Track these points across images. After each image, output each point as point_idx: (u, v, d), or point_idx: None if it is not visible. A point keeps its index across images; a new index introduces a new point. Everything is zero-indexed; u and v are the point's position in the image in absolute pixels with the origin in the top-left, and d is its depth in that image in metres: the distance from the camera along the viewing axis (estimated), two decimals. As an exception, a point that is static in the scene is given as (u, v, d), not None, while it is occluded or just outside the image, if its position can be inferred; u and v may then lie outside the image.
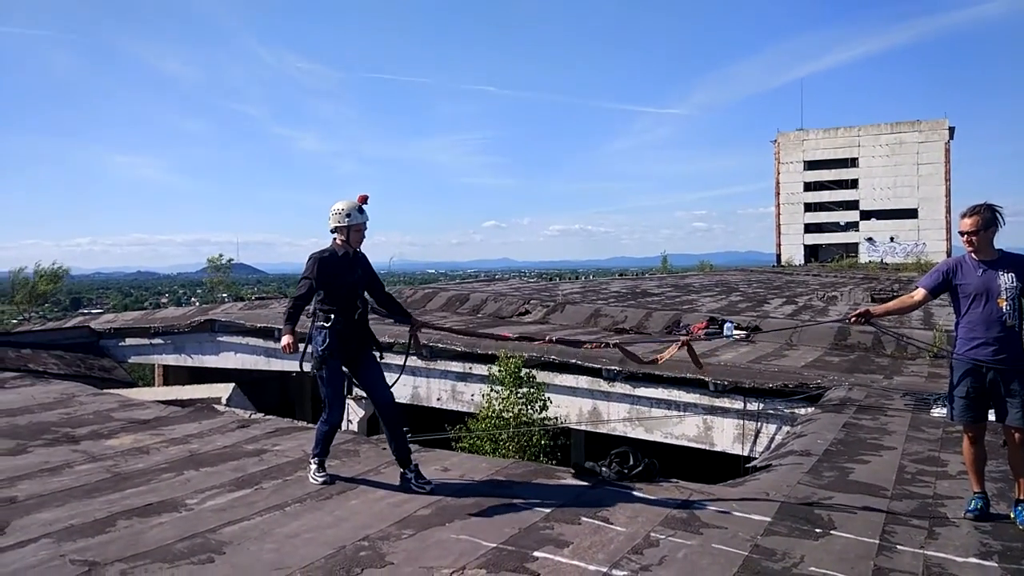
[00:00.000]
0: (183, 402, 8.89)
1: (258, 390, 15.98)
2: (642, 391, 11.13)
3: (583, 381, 11.68)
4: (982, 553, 4.17)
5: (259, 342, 15.24)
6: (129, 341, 17.07)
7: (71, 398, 8.80)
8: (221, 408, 8.24)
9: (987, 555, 4.14)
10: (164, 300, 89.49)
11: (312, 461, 5.36)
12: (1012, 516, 4.64)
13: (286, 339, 5.06)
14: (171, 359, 17.12)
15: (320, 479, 5.27)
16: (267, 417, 7.71)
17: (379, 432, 5.49)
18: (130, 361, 17.60)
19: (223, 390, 10.14)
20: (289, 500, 4.91)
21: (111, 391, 9.80)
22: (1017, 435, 4.56)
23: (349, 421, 12.69)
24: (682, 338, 5.44)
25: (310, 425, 7.16)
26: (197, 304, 35.55)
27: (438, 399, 13.08)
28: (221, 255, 44.92)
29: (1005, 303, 4.50)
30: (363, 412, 12.86)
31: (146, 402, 8.54)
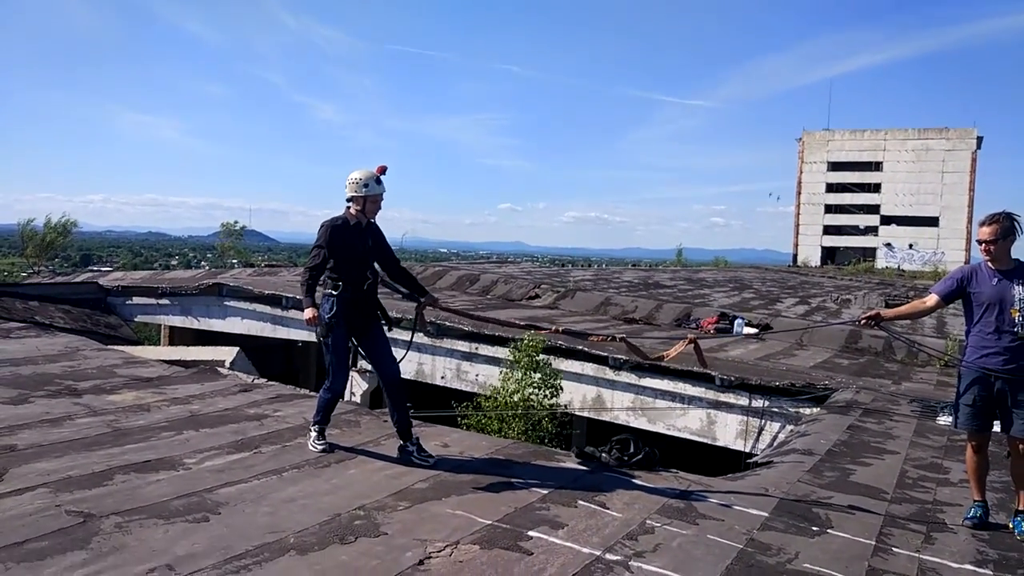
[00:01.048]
0: (187, 363, 8.92)
1: (263, 357, 16.05)
2: (647, 381, 11.09)
3: (589, 368, 11.65)
4: (978, 561, 4.14)
5: (266, 309, 15.27)
6: (136, 300, 17.15)
7: (75, 351, 8.85)
8: (224, 371, 8.26)
9: (983, 563, 4.11)
10: (174, 262, 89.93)
11: (312, 428, 5.36)
12: (1011, 526, 4.60)
13: (309, 312, 5.03)
14: (177, 320, 17.19)
15: (319, 447, 5.27)
16: (270, 383, 7.73)
17: (382, 406, 5.49)
18: (136, 320, 17.69)
19: (227, 353, 10.16)
20: (287, 466, 4.92)
21: (115, 347, 9.86)
22: (1021, 446, 4.52)
23: (352, 394, 12.72)
24: (690, 335, 5.39)
25: (312, 393, 7.18)
26: (207, 268, 35.72)
27: (442, 377, 13.09)
28: (236, 221, 45.20)
29: (1018, 314, 4.45)
30: (366, 385, 12.90)
31: (150, 360, 8.58)
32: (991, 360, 4.52)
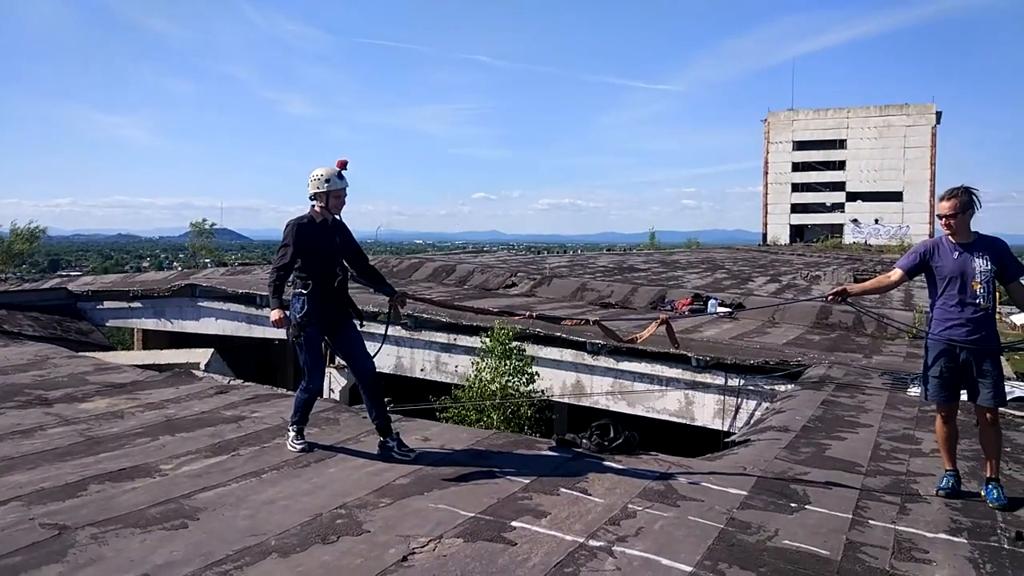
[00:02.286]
0: (161, 367, 8.81)
1: (239, 357, 15.88)
2: (625, 365, 11.17)
3: (567, 354, 11.70)
4: (952, 529, 4.22)
5: (240, 308, 15.12)
6: (107, 304, 16.88)
7: (45, 360, 8.69)
8: (199, 374, 8.17)
9: (957, 531, 4.20)
10: (145, 264, 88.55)
11: (290, 428, 5.32)
12: (982, 494, 4.70)
13: (276, 313, 4.99)
14: (150, 323, 16.96)
15: (298, 446, 5.24)
16: (246, 383, 7.66)
17: (361, 402, 5.47)
18: (108, 324, 17.42)
19: (202, 355, 10.06)
20: (266, 467, 4.88)
21: (87, 354, 9.70)
22: (988, 415, 4.62)
23: (331, 390, 12.66)
24: (661, 315, 5.42)
25: (290, 392, 7.12)
26: (179, 269, 35.22)
27: (422, 369, 13.07)
28: (205, 220, 44.61)
29: (980, 286, 4.53)
30: (345, 381, 12.84)
31: (122, 366, 8.45)
32: (956, 332, 4.60)
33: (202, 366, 9.31)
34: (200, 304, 15.94)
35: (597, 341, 11.32)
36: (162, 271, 29.00)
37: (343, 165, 5.18)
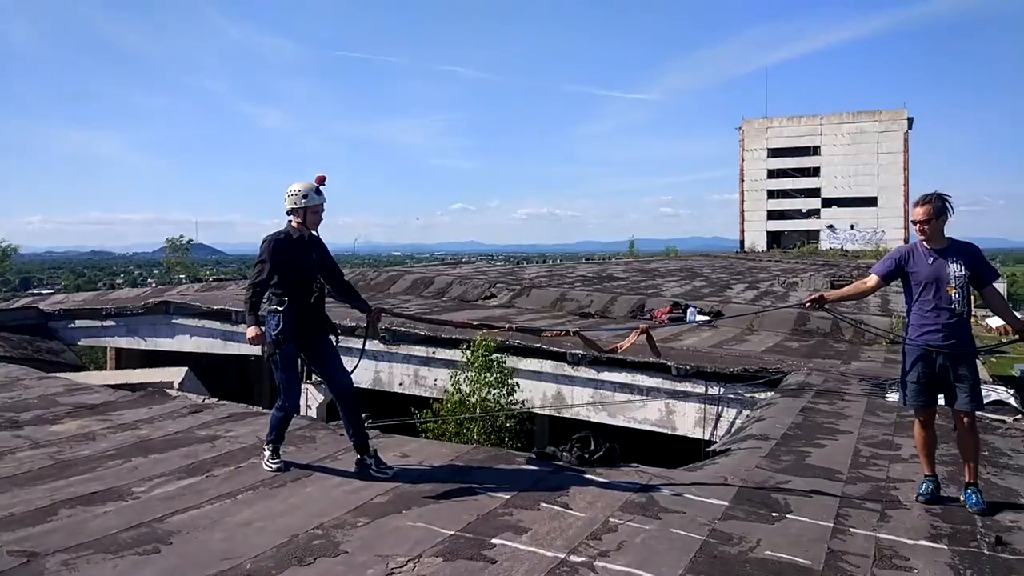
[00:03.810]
0: (133, 386, 8.65)
1: (215, 374, 15.67)
2: (606, 375, 11.14)
3: (547, 365, 11.65)
4: (932, 535, 4.23)
5: (216, 325, 14.91)
6: (79, 323, 16.58)
7: (15, 382, 8.50)
8: (173, 393, 8.03)
9: (937, 537, 4.21)
10: (119, 281, 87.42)
11: (266, 447, 5.23)
12: (961, 499, 4.72)
13: (252, 330, 4.91)
14: (123, 342, 16.67)
15: (274, 466, 5.15)
16: (221, 402, 7.54)
17: (339, 419, 5.40)
18: (80, 344, 17.12)
19: (176, 374, 9.89)
20: (241, 488, 4.79)
21: (58, 375, 9.50)
22: (965, 419, 4.65)
23: (308, 407, 12.52)
24: (641, 325, 5.43)
25: (266, 410, 7.02)
26: (153, 285, 34.81)
27: (400, 384, 12.96)
28: (181, 236, 44.16)
29: (954, 291, 4.58)
30: (322, 398, 12.69)
31: (94, 386, 8.29)
32: (932, 337, 4.63)
33: (176, 385, 9.16)
34: (174, 321, 15.70)
35: (577, 352, 11.30)
36: (136, 288, 28.61)
37: (321, 181, 5.11)
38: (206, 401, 7.55)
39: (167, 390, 8.21)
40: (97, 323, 16.45)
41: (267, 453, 5.21)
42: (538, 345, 11.58)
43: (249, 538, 3.97)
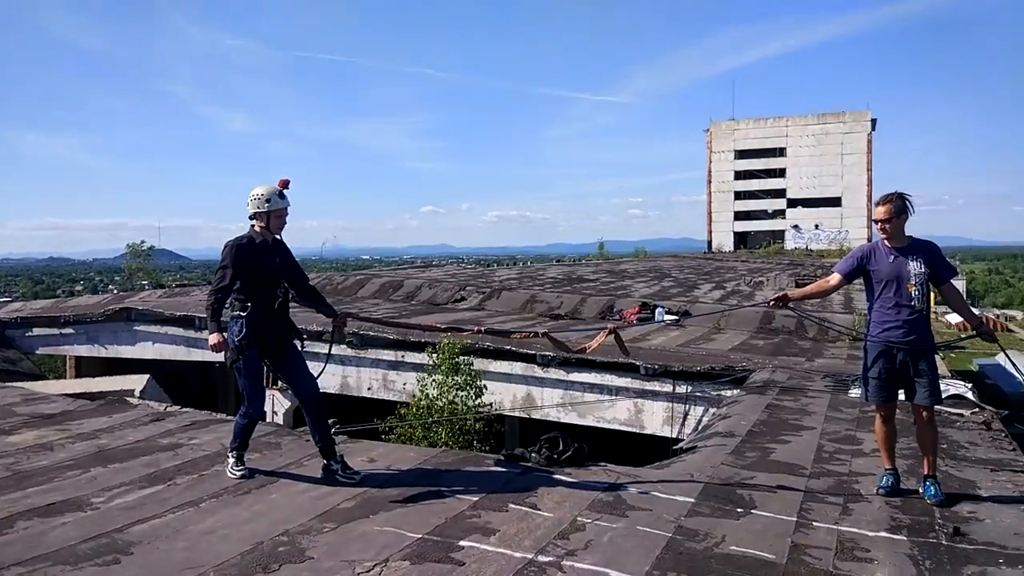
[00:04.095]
0: (93, 395, 8.48)
1: (178, 382, 15.42)
2: (575, 376, 11.19)
3: (517, 367, 11.67)
4: (892, 527, 4.31)
5: (179, 331, 14.68)
6: (37, 331, 16.22)
7: (-29, 393, 8.27)
8: (134, 401, 7.87)
9: (897, 529, 4.28)
10: (79, 288, 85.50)
11: (230, 455, 5.15)
12: (920, 491, 4.82)
13: (214, 337, 4.82)
14: (83, 350, 16.33)
15: (238, 473, 5.07)
16: (184, 409, 7.41)
17: (305, 424, 5.34)
18: (39, 352, 16.76)
19: (137, 382, 9.71)
20: (204, 496, 4.71)
21: (14, 384, 9.28)
22: (925, 413, 4.74)
23: (275, 413, 12.37)
24: (609, 325, 5.45)
25: (229, 417, 6.91)
26: (114, 292, 34.13)
27: (368, 388, 12.87)
28: (143, 241, 43.39)
29: (914, 288, 4.67)
30: (288, 403, 12.55)
31: (52, 395, 8.09)
32: (893, 333, 4.72)
33: (137, 393, 8.99)
34: (136, 328, 15.42)
35: (547, 353, 11.33)
36: (96, 295, 27.98)
37: (285, 184, 5.05)
38: (168, 409, 7.42)
39: (128, 398, 8.06)
40: (56, 331, 16.11)
41: (231, 460, 5.13)
42: (508, 347, 11.59)
43: (213, 546, 3.91)
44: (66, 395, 8.18)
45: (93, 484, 4.95)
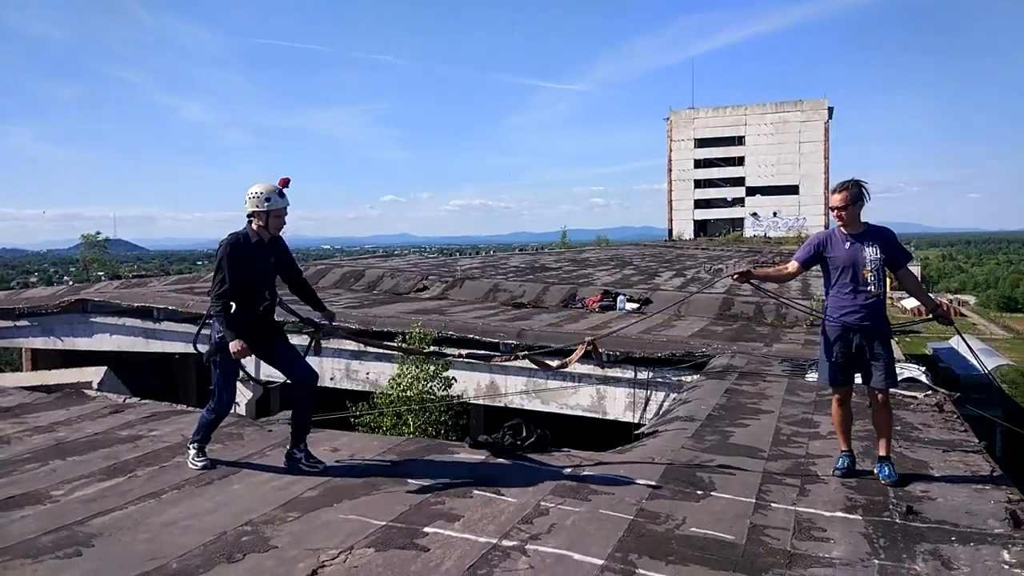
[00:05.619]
0: (50, 387, 8.28)
1: (138, 374, 15.13)
2: (538, 364, 11.24)
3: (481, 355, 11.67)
4: (848, 507, 4.44)
5: (137, 322, 14.38)
6: (-9, 324, 15.78)
7: (-80, 387, 8.03)
8: (92, 393, 7.72)
9: (852, 509, 4.41)
10: (33, 279, 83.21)
11: (191, 446, 5.09)
12: (875, 472, 4.96)
13: (236, 344, 4.67)
14: (39, 342, 15.92)
15: (200, 464, 5.02)
16: (143, 401, 7.29)
17: (267, 415, 5.29)
18: (-7, 345, 16.31)
19: (94, 374, 9.52)
20: (166, 487, 4.66)
21: (-33, 378, 9.03)
22: (880, 396, 4.88)
23: (237, 404, 12.22)
24: (588, 338, 5.55)
25: (190, 409, 6.84)
26: (70, 283, 33.29)
27: (331, 378, 12.78)
28: (98, 232, 42.37)
29: (870, 273, 4.79)
30: (251, 394, 12.42)
31: (8, 388, 7.89)
32: (849, 318, 4.84)
33: (95, 385, 8.81)
34: (93, 320, 15.07)
35: (510, 342, 11.37)
36: (51, 286, 27.29)
37: (285, 183, 4.92)
38: (127, 401, 7.29)
39: (85, 391, 7.89)
40: (10, 323, 15.68)
41: (192, 452, 5.08)
42: (471, 336, 11.61)
43: (175, 538, 3.87)
44: (22, 388, 7.98)
45: (52, 477, 4.87)
